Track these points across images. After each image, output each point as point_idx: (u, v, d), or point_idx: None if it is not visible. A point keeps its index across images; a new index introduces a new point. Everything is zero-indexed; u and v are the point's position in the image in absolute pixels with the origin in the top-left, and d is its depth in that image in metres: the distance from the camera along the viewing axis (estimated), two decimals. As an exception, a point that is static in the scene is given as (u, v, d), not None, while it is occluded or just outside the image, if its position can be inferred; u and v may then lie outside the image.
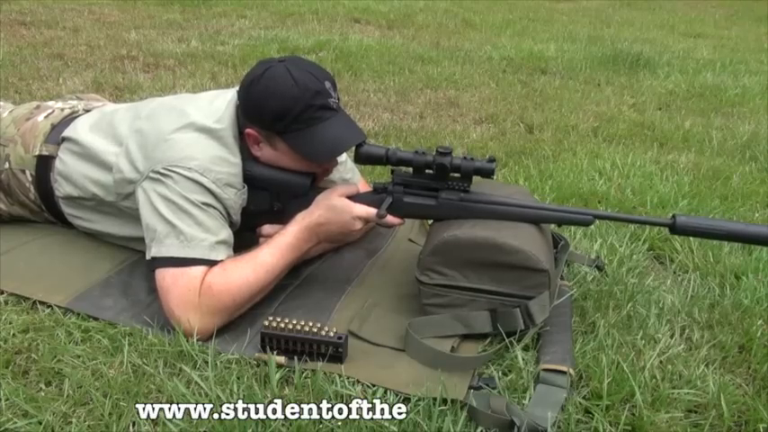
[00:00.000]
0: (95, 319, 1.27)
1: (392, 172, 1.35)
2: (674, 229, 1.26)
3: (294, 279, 1.45)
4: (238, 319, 1.28)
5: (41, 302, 1.30)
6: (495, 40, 4.81)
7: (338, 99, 1.34)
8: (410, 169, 1.32)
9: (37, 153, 1.47)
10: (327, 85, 1.30)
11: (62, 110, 1.58)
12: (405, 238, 1.66)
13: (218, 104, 1.36)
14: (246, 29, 4.41)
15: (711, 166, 2.39)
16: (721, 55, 4.82)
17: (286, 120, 1.27)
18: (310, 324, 1.17)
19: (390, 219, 1.33)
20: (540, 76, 3.85)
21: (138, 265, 1.45)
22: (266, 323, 1.17)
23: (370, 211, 1.31)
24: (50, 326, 1.24)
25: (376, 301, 1.37)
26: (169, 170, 1.26)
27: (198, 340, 1.20)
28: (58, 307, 1.29)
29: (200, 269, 1.22)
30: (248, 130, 1.32)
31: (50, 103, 1.65)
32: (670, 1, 8.25)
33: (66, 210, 1.49)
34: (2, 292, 1.33)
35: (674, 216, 1.27)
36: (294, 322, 1.17)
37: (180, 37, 4.05)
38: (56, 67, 3.17)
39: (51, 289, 1.33)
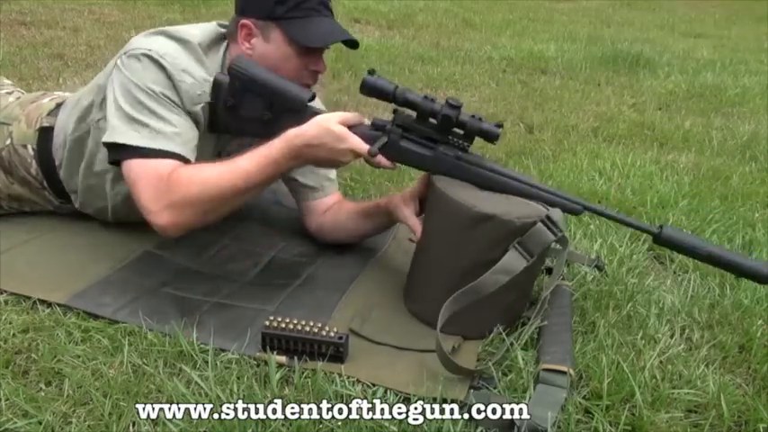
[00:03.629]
0: (95, 318, 1.27)
1: (394, 112, 1.29)
2: (659, 239, 1.24)
3: (295, 279, 1.45)
4: (239, 318, 1.28)
5: (41, 302, 1.30)
6: (495, 40, 4.81)
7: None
8: (414, 114, 1.27)
9: (39, 126, 1.50)
10: None
11: (69, 94, 1.61)
12: (405, 237, 1.66)
13: (190, 26, 1.40)
14: (246, 29, 4.40)
15: (711, 166, 2.39)
16: (721, 55, 4.82)
17: (288, 3, 1.29)
18: (311, 324, 1.17)
19: (381, 160, 1.26)
20: (540, 76, 3.85)
21: (138, 263, 1.45)
22: (267, 323, 1.17)
23: (365, 147, 1.24)
24: (50, 326, 1.23)
25: (377, 301, 1.37)
26: (130, 54, 1.28)
27: (175, 234, 1.24)
28: (58, 305, 1.29)
29: (169, 162, 1.24)
30: (243, 21, 1.32)
31: (57, 93, 1.68)
32: (670, 1, 8.25)
33: (64, 177, 1.51)
34: (2, 292, 1.33)
35: (661, 226, 1.25)
36: (295, 322, 1.17)
37: (180, 37, 4.04)
38: (56, 67, 3.17)
39: (51, 287, 1.33)
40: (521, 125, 2.82)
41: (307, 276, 1.47)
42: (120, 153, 1.27)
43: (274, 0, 1.29)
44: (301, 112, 1.29)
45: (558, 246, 1.53)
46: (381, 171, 2.01)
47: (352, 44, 1.39)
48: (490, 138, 1.23)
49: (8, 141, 1.52)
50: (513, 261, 1.18)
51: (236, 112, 1.32)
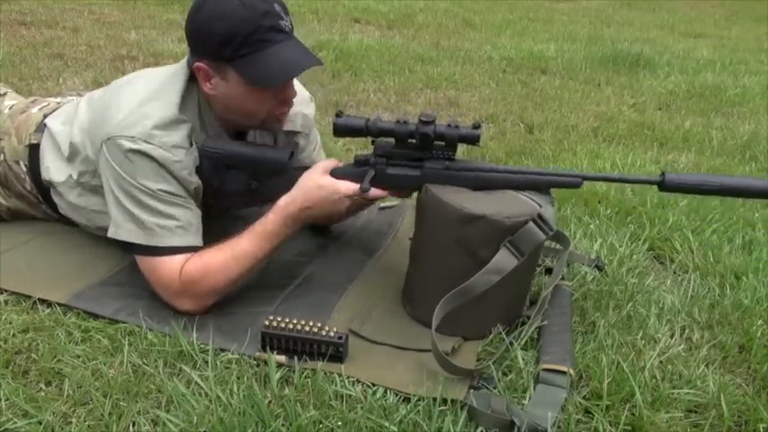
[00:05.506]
0: (95, 318, 1.27)
1: (373, 143, 1.30)
2: (663, 185, 1.24)
3: (294, 279, 1.45)
4: (239, 318, 1.28)
5: (41, 302, 1.30)
6: (495, 40, 4.81)
7: (291, 24, 1.27)
8: (392, 140, 1.29)
9: (27, 143, 1.48)
10: (277, 7, 1.23)
11: (58, 103, 1.59)
12: (405, 237, 1.66)
13: (163, 69, 1.36)
14: (246, 29, 4.39)
15: (711, 166, 2.39)
16: (721, 55, 4.82)
17: (234, 43, 1.20)
18: (311, 324, 1.17)
19: (375, 192, 1.28)
20: (540, 76, 3.85)
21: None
22: (267, 323, 1.17)
23: (356, 187, 1.26)
24: (50, 326, 1.23)
25: (377, 301, 1.37)
26: (115, 143, 1.22)
27: (198, 314, 1.28)
28: (58, 305, 1.29)
29: (177, 259, 1.25)
30: (198, 64, 1.25)
31: (49, 98, 1.66)
32: (670, 1, 8.25)
33: (55, 199, 1.49)
34: (2, 292, 1.33)
35: (663, 173, 1.24)
36: (295, 322, 1.17)
37: (180, 37, 4.04)
38: (56, 67, 3.17)
39: (51, 287, 1.34)
40: (521, 125, 2.82)
41: (306, 276, 1.47)
42: (127, 247, 1.29)
43: (219, 42, 1.20)
44: (285, 171, 1.32)
45: (557, 245, 1.55)
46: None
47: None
48: (471, 141, 1.23)
49: (1, 157, 1.51)
50: (505, 260, 1.18)
51: (222, 191, 1.34)
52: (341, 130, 1.28)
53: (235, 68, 1.23)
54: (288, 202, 1.27)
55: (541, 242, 1.20)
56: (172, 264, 1.25)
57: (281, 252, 1.56)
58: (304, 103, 1.54)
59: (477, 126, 1.23)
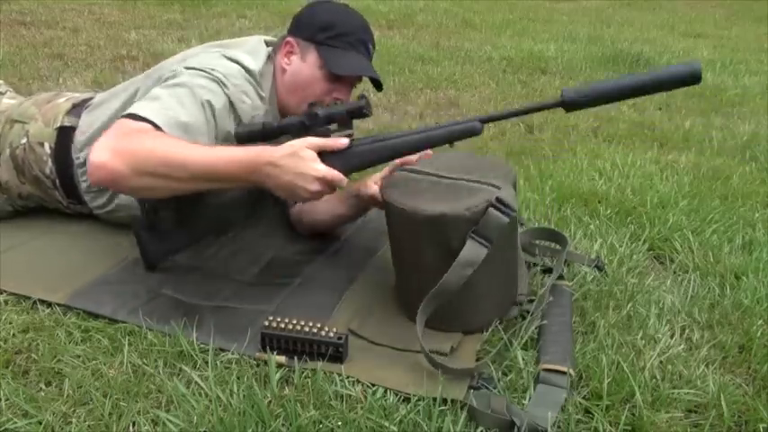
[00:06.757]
0: (95, 317, 1.27)
1: None
2: (565, 104, 1.19)
3: (294, 278, 1.45)
4: (238, 318, 1.28)
5: (41, 302, 1.30)
6: (495, 40, 4.82)
7: (372, 55, 1.48)
8: None
9: (58, 125, 1.52)
10: (372, 37, 1.46)
11: (81, 95, 1.64)
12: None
13: (245, 45, 1.46)
14: (246, 29, 4.40)
15: (711, 166, 2.39)
16: (721, 55, 4.82)
17: (330, 32, 1.40)
18: (311, 324, 1.17)
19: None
20: (540, 76, 3.85)
21: (138, 263, 1.45)
22: (266, 323, 1.17)
23: (336, 174, 1.17)
24: (50, 326, 1.24)
25: (377, 301, 1.37)
26: (195, 69, 1.33)
27: (99, 177, 1.14)
28: (58, 305, 1.29)
29: (143, 124, 1.20)
30: (289, 38, 1.44)
31: (68, 93, 1.70)
32: (670, 1, 8.25)
33: (83, 178, 1.51)
34: (1, 292, 1.33)
35: (562, 93, 1.20)
36: (295, 322, 1.17)
37: (180, 37, 4.05)
38: (56, 67, 3.17)
39: (50, 287, 1.33)
40: (520, 125, 2.81)
41: (306, 276, 1.47)
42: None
43: (319, 26, 1.40)
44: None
45: (555, 245, 1.55)
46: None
47: (378, 86, 1.49)
48: (359, 113, 1.26)
49: (24, 140, 1.53)
50: (474, 251, 1.16)
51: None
52: (243, 138, 1.32)
53: (318, 51, 1.41)
54: (264, 150, 1.17)
55: (507, 225, 1.18)
56: (136, 124, 1.19)
57: (279, 248, 1.56)
58: None
59: (361, 97, 1.27)
